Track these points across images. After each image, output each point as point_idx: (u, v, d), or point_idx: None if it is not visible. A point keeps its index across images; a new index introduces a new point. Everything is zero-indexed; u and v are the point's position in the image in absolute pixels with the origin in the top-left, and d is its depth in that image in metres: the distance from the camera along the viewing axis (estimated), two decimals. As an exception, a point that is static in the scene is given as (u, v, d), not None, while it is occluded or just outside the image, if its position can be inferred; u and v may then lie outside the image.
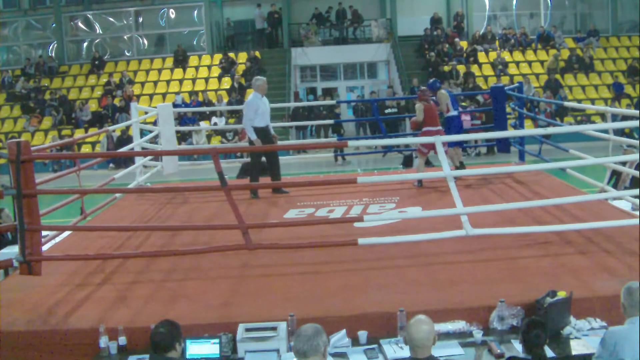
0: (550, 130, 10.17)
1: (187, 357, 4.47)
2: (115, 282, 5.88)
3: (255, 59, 23.57)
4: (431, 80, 10.03)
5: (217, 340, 4.54)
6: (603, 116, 17.35)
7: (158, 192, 9.32)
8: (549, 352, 4.21)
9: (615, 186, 9.04)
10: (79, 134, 20.32)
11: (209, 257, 6.22)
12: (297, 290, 5.45)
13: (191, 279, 5.88)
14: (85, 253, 6.52)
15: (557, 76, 22.19)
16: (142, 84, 23.51)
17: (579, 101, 20.74)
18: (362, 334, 4.69)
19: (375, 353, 4.50)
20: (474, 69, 22.55)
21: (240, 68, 23.44)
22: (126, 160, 15.31)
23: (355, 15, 25.27)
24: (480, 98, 19.24)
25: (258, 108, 8.95)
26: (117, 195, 8.77)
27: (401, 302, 4.87)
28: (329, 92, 24.03)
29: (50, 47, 25.86)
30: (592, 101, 21.39)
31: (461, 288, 5.28)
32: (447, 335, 4.65)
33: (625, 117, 13.49)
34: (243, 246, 5.67)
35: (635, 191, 6.64)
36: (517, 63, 23.28)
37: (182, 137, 19.12)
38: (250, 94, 9.12)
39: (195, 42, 25.59)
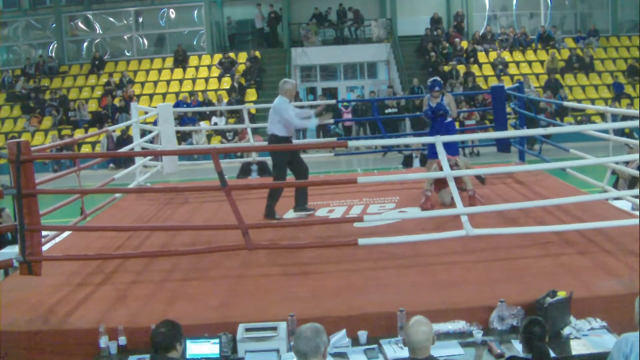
0: (551, 130, 10.15)
1: (187, 357, 4.47)
2: (115, 282, 5.88)
3: (255, 59, 23.57)
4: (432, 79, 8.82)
5: (217, 340, 4.54)
6: (603, 116, 17.34)
7: (158, 192, 9.32)
8: (548, 352, 4.21)
9: (615, 186, 9.03)
10: (79, 134, 20.32)
11: (209, 257, 6.22)
12: (297, 290, 5.45)
13: (191, 279, 5.87)
14: (85, 253, 6.51)
15: (557, 76, 22.19)
16: (142, 84, 23.51)
17: (579, 101, 20.73)
18: (362, 334, 4.69)
19: (375, 353, 4.50)
20: (474, 69, 22.56)
21: (241, 68, 23.44)
22: (126, 160, 15.32)
23: (356, 15, 25.26)
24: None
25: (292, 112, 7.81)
26: (117, 195, 8.77)
27: (401, 302, 4.87)
28: (325, 93, 24.13)
29: (50, 47, 25.86)
30: (592, 101, 21.39)
31: (461, 288, 5.28)
32: (447, 335, 4.65)
33: (625, 117, 13.49)
34: (243, 246, 5.67)
35: (635, 191, 6.64)
36: (517, 63, 23.29)
37: (182, 137, 19.11)
38: (277, 99, 7.78)
39: (195, 42, 25.59)
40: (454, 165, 7.66)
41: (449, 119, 8.48)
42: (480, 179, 8.36)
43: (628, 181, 8.89)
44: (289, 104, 7.76)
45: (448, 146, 7.92)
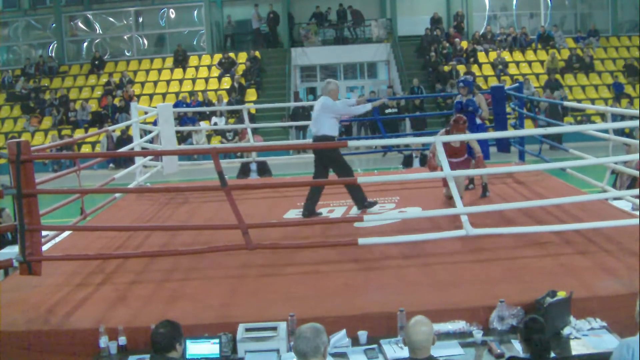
0: (550, 130, 10.14)
1: (187, 357, 4.47)
2: (115, 282, 5.88)
3: (255, 59, 23.57)
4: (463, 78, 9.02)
5: (217, 340, 4.54)
6: (603, 116, 17.35)
7: (158, 192, 9.32)
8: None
9: (614, 186, 9.02)
10: (79, 134, 20.32)
11: (209, 257, 6.22)
12: (297, 290, 5.45)
13: (191, 279, 5.87)
14: (85, 253, 6.52)
15: (557, 76, 22.19)
16: (142, 84, 23.51)
17: (579, 101, 20.74)
18: (362, 334, 4.69)
19: (375, 353, 4.50)
20: (474, 69, 22.55)
21: (240, 68, 23.45)
22: (126, 160, 15.32)
23: (357, 16, 25.23)
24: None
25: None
26: (117, 195, 8.77)
27: (401, 302, 4.87)
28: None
29: (50, 47, 25.86)
30: (592, 101, 21.40)
31: (461, 288, 5.28)
32: (447, 335, 4.65)
33: (624, 117, 13.50)
34: (243, 246, 5.67)
35: (635, 191, 6.64)
36: (517, 63, 23.29)
37: (182, 137, 19.12)
38: (321, 99, 7.84)
39: (195, 42, 25.59)
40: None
41: (480, 121, 8.71)
42: (484, 189, 8.44)
43: (629, 180, 8.87)
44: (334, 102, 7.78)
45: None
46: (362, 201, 7.86)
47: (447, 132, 7.80)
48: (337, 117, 7.81)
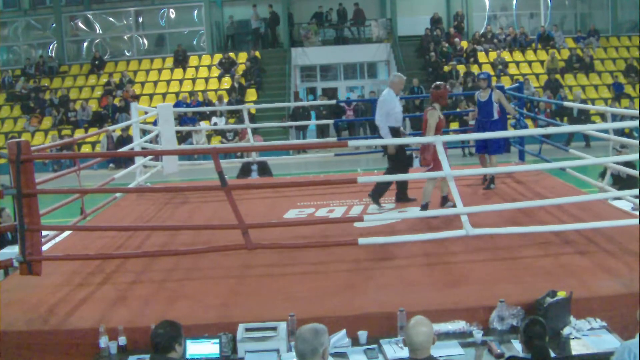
0: (550, 130, 10.15)
1: (187, 357, 4.47)
2: (115, 282, 5.88)
3: (255, 59, 23.58)
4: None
5: (217, 340, 4.54)
6: (603, 116, 17.35)
7: (158, 192, 9.32)
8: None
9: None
10: (79, 134, 20.32)
11: (209, 257, 6.23)
12: (297, 290, 5.46)
13: (191, 279, 5.88)
14: (85, 253, 6.52)
15: (557, 76, 22.20)
16: (142, 84, 23.51)
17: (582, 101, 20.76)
18: (362, 334, 4.69)
19: (375, 353, 4.50)
20: (474, 69, 22.55)
21: (240, 68, 23.45)
22: (126, 160, 15.32)
23: (359, 14, 25.20)
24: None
25: (395, 107, 8.00)
26: (117, 195, 8.77)
27: (401, 302, 4.87)
28: (326, 93, 24.27)
29: (50, 47, 25.86)
30: (592, 101, 21.40)
31: (461, 288, 5.28)
32: (447, 335, 4.65)
33: (624, 117, 13.50)
34: (243, 246, 5.67)
35: (635, 191, 6.64)
36: (517, 63, 23.29)
37: (182, 137, 19.12)
38: (385, 91, 8.14)
39: (195, 42, 25.59)
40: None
41: (497, 117, 8.82)
42: (490, 182, 8.66)
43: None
44: (396, 97, 8.08)
45: (490, 144, 8.59)
46: (378, 196, 8.06)
47: (434, 108, 7.56)
48: (394, 110, 8.00)
